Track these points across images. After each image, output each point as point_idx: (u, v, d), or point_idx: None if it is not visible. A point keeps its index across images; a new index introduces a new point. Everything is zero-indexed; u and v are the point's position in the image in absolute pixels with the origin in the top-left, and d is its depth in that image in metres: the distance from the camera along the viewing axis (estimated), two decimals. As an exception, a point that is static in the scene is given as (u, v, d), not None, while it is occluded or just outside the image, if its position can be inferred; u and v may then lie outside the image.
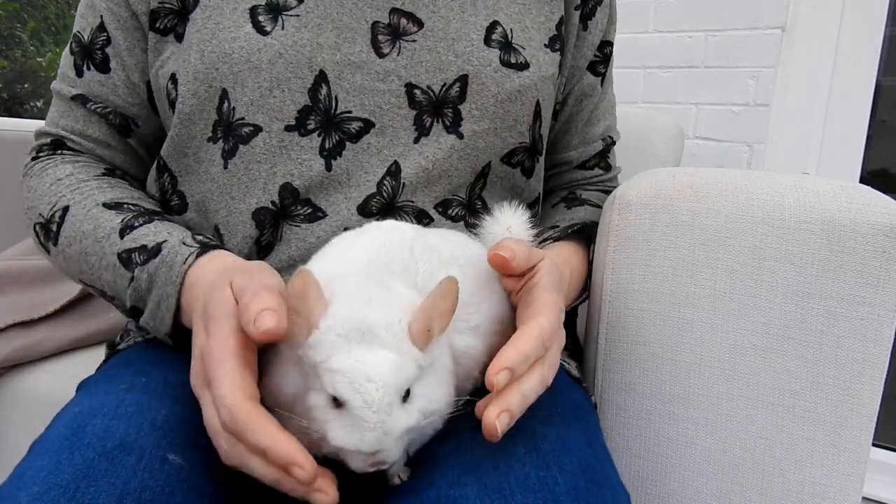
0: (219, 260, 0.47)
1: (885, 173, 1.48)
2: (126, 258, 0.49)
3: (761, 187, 0.51)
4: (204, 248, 0.48)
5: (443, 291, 0.35)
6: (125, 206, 0.53)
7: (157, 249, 0.48)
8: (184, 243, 0.48)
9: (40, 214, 0.55)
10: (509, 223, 0.50)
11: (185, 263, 0.46)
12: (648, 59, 1.51)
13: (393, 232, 0.45)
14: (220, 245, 0.50)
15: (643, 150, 1.04)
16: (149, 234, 0.50)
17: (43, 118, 0.62)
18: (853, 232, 0.47)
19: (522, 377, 0.38)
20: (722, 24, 1.42)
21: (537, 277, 0.44)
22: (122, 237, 0.50)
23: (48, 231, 0.55)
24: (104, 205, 0.53)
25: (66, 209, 0.54)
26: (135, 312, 0.50)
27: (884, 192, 0.50)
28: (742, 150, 1.43)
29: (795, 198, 0.50)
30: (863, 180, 1.39)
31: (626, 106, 1.00)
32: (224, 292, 0.39)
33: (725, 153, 1.45)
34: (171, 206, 0.58)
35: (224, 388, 0.35)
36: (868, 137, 1.36)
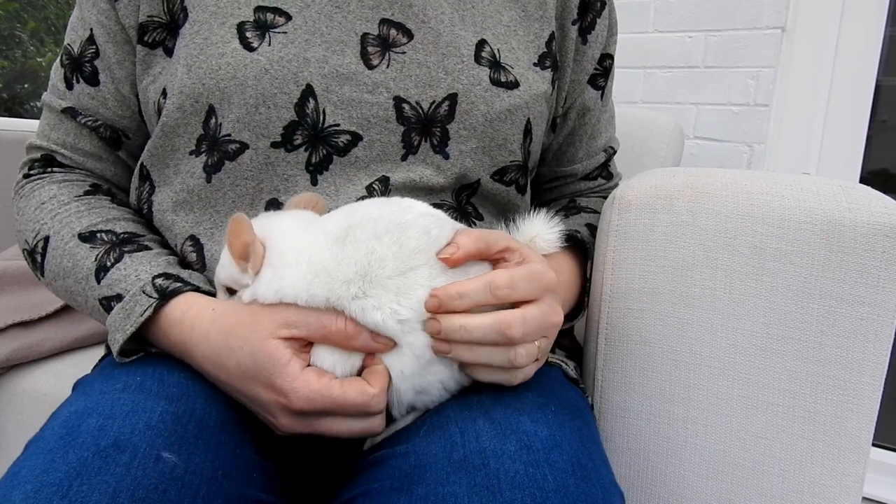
0: (195, 311, 0.47)
1: (885, 173, 1.48)
2: (107, 305, 0.51)
3: (761, 187, 0.51)
4: (162, 298, 0.48)
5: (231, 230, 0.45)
6: (98, 236, 0.54)
7: (121, 298, 0.50)
8: (143, 291, 0.49)
9: (26, 241, 0.56)
10: (534, 233, 0.50)
11: (141, 316, 0.48)
12: (648, 59, 1.51)
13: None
14: (180, 282, 0.50)
15: (643, 150, 1.04)
16: (120, 279, 0.51)
17: (42, 118, 0.62)
18: (853, 232, 0.47)
19: (461, 311, 0.42)
20: (722, 24, 1.42)
21: (526, 258, 0.45)
22: (98, 281, 0.51)
23: (34, 260, 0.56)
24: (79, 236, 0.54)
25: (46, 239, 0.55)
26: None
27: (884, 192, 0.50)
28: (742, 150, 1.43)
29: (795, 198, 0.50)
30: (863, 180, 1.38)
31: (626, 106, 1.00)
32: (267, 348, 0.42)
33: (725, 153, 1.45)
34: (143, 214, 0.59)
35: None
36: (868, 137, 1.36)
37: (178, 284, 0.49)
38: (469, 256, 0.43)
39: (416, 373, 0.43)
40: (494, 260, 0.45)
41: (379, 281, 0.42)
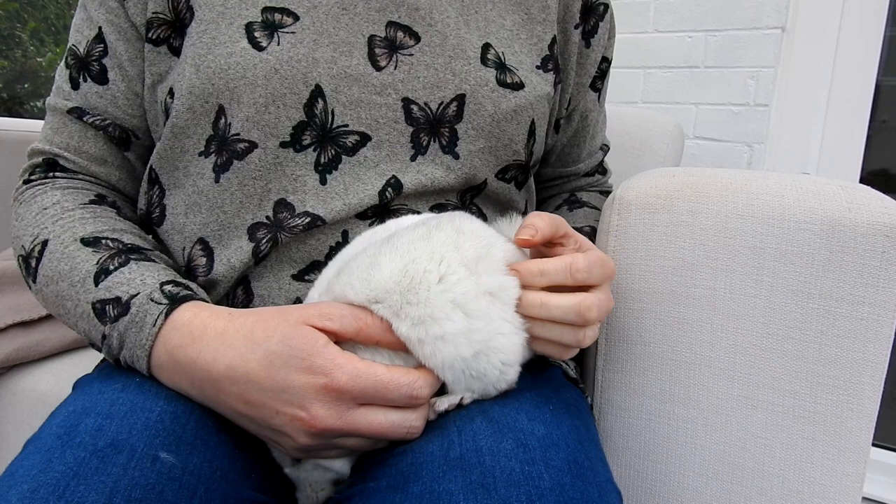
0: (208, 313, 0.45)
1: (885, 173, 1.48)
2: (100, 309, 0.47)
3: (761, 187, 0.51)
4: (173, 304, 0.46)
5: None
6: (103, 241, 0.51)
7: (127, 306, 0.46)
8: (152, 299, 0.46)
9: (23, 247, 0.53)
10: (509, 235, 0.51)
11: (154, 325, 0.45)
12: (648, 59, 1.51)
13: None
14: (190, 291, 0.48)
15: (643, 150, 1.04)
16: (122, 282, 0.48)
17: (43, 118, 0.62)
18: (853, 232, 0.47)
19: (538, 288, 0.44)
20: (722, 24, 1.42)
21: (581, 245, 0.47)
22: (97, 283, 0.48)
23: (28, 266, 0.52)
24: (82, 240, 0.51)
25: (45, 243, 0.51)
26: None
27: (884, 192, 0.50)
28: (742, 150, 1.43)
29: (795, 198, 0.50)
30: (863, 180, 1.38)
31: (626, 106, 1.00)
32: (302, 331, 0.41)
33: (725, 153, 1.45)
34: (152, 217, 0.57)
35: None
36: (868, 137, 1.36)
37: (189, 292, 0.48)
38: (545, 239, 0.44)
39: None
40: (553, 244, 0.46)
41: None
